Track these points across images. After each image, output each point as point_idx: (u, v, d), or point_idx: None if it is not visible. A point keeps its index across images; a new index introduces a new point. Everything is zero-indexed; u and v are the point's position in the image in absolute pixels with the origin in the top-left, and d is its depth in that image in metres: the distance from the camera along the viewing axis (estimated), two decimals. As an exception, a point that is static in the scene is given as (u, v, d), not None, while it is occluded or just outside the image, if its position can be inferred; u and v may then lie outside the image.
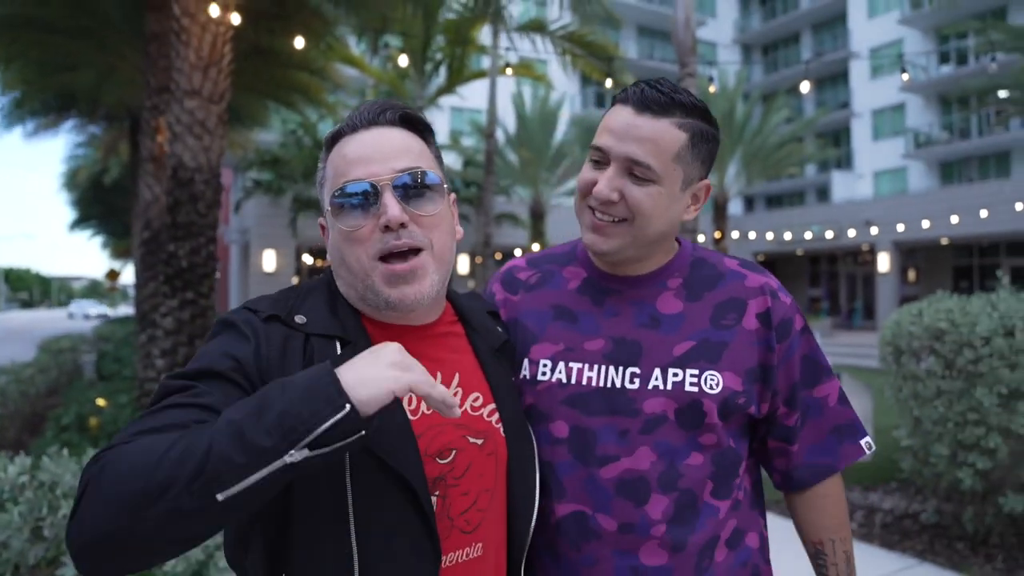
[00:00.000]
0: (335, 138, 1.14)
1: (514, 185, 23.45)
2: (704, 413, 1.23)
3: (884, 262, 24.57)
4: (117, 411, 7.84)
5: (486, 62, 18.12)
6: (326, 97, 11.93)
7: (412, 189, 1.09)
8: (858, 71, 32.12)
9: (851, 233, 25.38)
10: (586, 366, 1.28)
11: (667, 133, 1.22)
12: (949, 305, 4.37)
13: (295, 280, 24.49)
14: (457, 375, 1.16)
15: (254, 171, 20.44)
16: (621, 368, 1.27)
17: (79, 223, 32.67)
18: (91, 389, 9.75)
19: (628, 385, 1.25)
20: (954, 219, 22.18)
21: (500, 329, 1.32)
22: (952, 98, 28.08)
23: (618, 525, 1.21)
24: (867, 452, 1.36)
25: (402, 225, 1.07)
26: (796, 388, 1.32)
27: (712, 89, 14.65)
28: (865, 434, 1.38)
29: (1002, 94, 16.27)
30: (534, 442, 1.24)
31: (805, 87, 12.14)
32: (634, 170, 1.22)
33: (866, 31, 31.55)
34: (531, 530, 1.18)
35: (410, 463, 1.01)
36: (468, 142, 24.89)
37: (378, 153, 1.09)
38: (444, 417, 1.01)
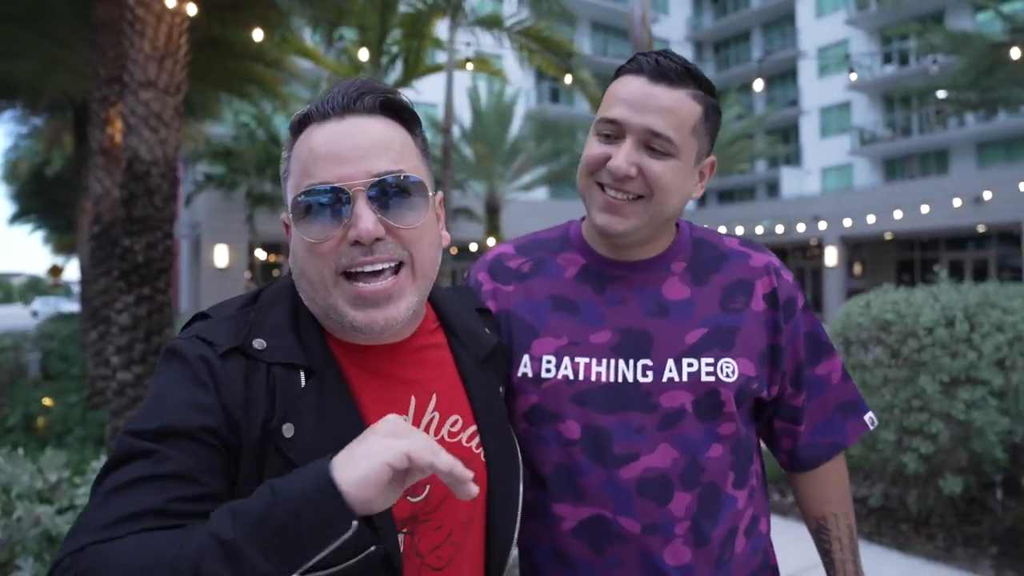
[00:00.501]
0: (302, 123, 0.97)
1: (469, 180, 23.41)
2: (722, 403, 1.18)
3: (832, 256, 25.28)
4: (67, 411, 7.63)
5: (441, 56, 18.04)
6: (281, 89, 11.74)
7: (391, 196, 0.93)
8: (806, 70, 32.90)
9: (800, 228, 26.04)
10: (593, 360, 1.20)
11: (685, 104, 1.15)
12: (895, 297, 4.56)
13: (247, 275, 24.03)
14: (434, 397, 1.03)
15: (205, 164, 19.99)
16: (632, 361, 1.19)
17: (19, 217, 31.51)
18: (37, 389, 9.46)
19: (641, 378, 1.18)
20: (897, 214, 22.93)
21: (488, 331, 1.18)
22: (895, 97, 29.02)
23: (642, 527, 1.15)
24: (871, 427, 1.34)
25: (377, 239, 0.91)
26: (801, 367, 1.28)
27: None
28: (867, 409, 1.35)
29: (941, 94, 16.89)
30: (520, 466, 1.14)
31: (759, 85, 12.45)
32: (653, 143, 1.14)
33: (814, 31, 32.33)
34: (509, 558, 1.11)
35: (379, 514, 0.88)
36: (424, 136, 24.71)
37: (352, 150, 0.92)
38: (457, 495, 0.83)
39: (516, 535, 1.11)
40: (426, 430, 1.00)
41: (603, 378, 1.19)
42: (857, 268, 28.90)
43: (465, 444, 1.04)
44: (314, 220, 0.92)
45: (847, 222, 24.45)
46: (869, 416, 1.35)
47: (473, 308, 1.22)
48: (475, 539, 1.05)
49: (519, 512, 1.11)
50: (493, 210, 22.06)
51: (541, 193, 29.25)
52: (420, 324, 1.07)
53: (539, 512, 1.22)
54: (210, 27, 7.82)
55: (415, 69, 16.21)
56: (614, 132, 1.17)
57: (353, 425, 0.91)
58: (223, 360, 0.89)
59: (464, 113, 23.07)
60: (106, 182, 7.68)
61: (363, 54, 12.19)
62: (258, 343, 0.92)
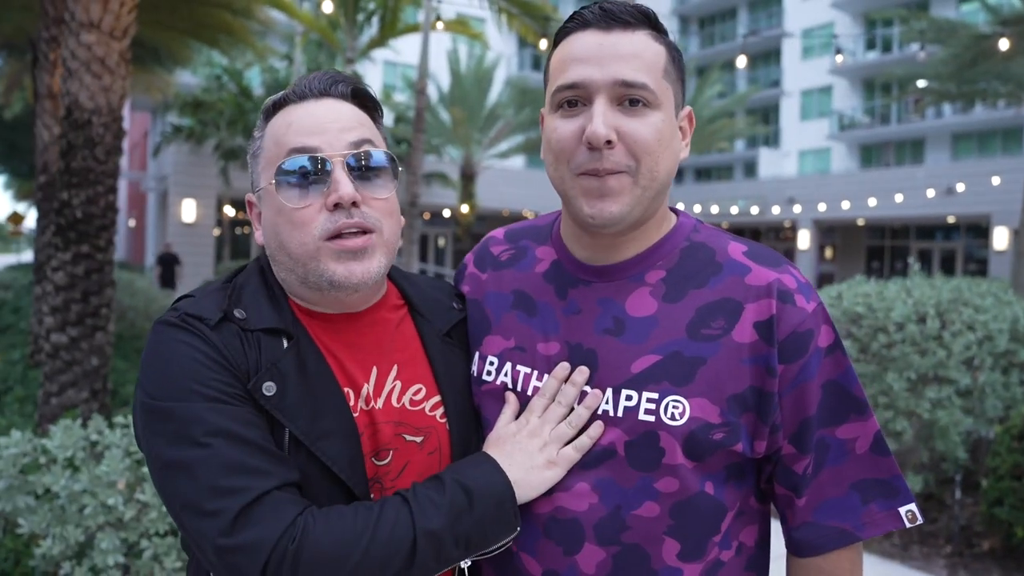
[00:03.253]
0: (277, 106, 1.05)
1: (445, 144, 23.00)
2: (661, 450, 0.96)
3: (804, 239, 25.39)
4: (7, 368, 7.32)
5: (422, 16, 17.53)
6: (254, 40, 11.25)
7: (366, 170, 1.01)
8: (790, 51, 32.71)
9: (775, 210, 26.08)
10: (535, 373, 1.05)
11: (650, 46, 0.99)
12: (867, 290, 4.45)
13: (216, 233, 23.51)
14: (396, 367, 1.08)
15: (175, 115, 19.35)
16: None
17: (-23, 161, 30.36)
18: (-16, 341, 9.11)
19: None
20: (872, 201, 23.04)
21: (458, 306, 1.20)
22: (876, 83, 29.01)
23: (543, 571, 1.00)
24: (906, 524, 1.00)
25: (354, 204, 0.98)
26: (810, 425, 0.99)
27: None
28: (909, 499, 1.01)
29: (921, 83, 16.85)
30: (481, 437, 1.11)
31: (742, 61, 12.30)
32: (628, 95, 0.96)
33: (800, 12, 32.09)
34: None
35: (355, 471, 0.98)
36: (400, 98, 24.23)
37: (332, 123, 1.01)
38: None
39: None
40: (388, 399, 1.06)
41: None
42: (828, 252, 29.10)
43: (428, 413, 1.09)
44: (295, 189, 0.99)
45: (821, 206, 24.51)
46: (908, 509, 1.00)
47: (443, 291, 1.23)
48: None
49: None
50: (468, 176, 21.74)
51: (518, 161, 28.89)
52: (381, 299, 1.12)
53: None
54: (172, -31, 7.38)
55: (392, 28, 15.74)
56: (579, 97, 0.98)
57: (329, 388, 1.00)
58: (215, 330, 0.97)
59: (443, 76, 22.57)
60: (53, 129, 7.27)
61: (328, 6, 11.71)
62: (239, 313, 1.00)
